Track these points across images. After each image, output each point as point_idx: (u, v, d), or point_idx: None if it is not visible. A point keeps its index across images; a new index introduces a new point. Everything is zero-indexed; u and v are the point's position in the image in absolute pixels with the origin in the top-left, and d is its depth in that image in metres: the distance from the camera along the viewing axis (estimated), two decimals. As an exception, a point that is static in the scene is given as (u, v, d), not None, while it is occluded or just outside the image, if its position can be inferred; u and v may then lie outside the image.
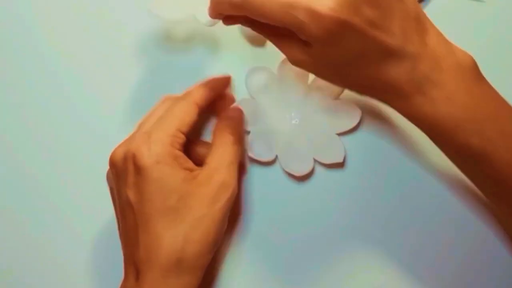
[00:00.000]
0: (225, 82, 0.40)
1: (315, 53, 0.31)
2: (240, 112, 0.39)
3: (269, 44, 0.42)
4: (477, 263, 0.39)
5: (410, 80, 0.31)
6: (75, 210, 0.41)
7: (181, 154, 0.35)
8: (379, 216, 0.40)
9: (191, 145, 0.38)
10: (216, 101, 0.39)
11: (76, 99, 0.42)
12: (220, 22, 0.34)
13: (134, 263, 0.33)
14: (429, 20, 0.32)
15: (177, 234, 0.33)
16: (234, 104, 0.40)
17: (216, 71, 0.41)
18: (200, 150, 0.38)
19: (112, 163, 0.35)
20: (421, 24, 0.32)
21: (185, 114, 0.36)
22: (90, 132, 0.42)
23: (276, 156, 0.40)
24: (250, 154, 0.39)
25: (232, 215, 0.40)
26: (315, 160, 0.39)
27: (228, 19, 0.34)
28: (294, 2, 0.29)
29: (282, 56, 0.39)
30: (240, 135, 0.37)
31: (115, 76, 0.42)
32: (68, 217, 0.41)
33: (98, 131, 0.41)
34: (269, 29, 0.33)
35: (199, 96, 0.37)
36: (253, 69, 0.40)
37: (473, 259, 0.39)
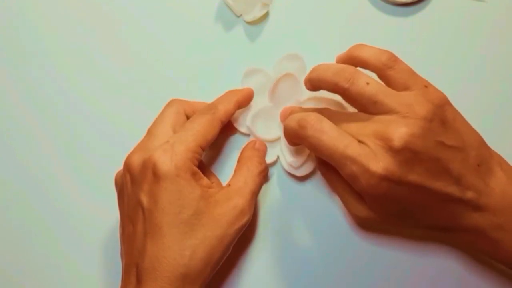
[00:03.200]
0: (250, 96, 0.40)
1: (372, 206, 0.33)
2: (265, 147, 0.39)
3: (264, 45, 0.42)
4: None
5: (475, 221, 0.33)
6: (79, 213, 0.41)
7: (197, 170, 0.35)
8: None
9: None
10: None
11: (82, 102, 0.42)
12: None
13: (137, 270, 0.33)
14: (498, 162, 0.34)
15: (185, 248, 0.32)
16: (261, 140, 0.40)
17: (212, 72, 0.42)
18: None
19: (129, 168, 0.35)
20: (484, 168, 0.33)
21: (208, 131, 0.35)
22: (97, 135, 0.42)
23: (277, 157, 0.40)
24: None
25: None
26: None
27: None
28: (350, 154, 0.31)
29: (276, 56, 0.40)
30: (266, 169, 0.37)
31: (123, 84, 0.42)
32: (71, 221, 0.41)
33: (105, 135, 0.42)
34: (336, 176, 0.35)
35: (225, 112, 0.37)
36: (249, 71, 0.40)
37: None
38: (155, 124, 0.37)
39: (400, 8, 0.42)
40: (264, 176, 0.37)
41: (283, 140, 0.39)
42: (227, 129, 0.40)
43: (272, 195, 0.40)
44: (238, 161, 0.37)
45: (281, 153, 0.39)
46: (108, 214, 0.40)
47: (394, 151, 0.31)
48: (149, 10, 0.43)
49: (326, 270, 0.39)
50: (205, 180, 0.35)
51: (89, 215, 0.41)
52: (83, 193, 0.41)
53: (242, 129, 0.39)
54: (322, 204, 0.40)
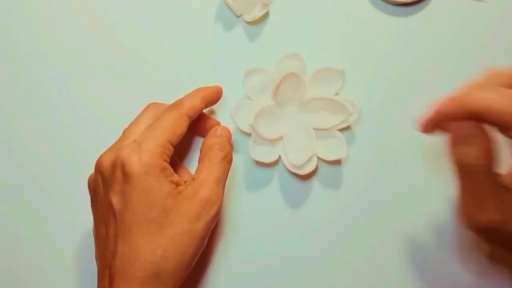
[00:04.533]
0: (217, 93, 0.40)
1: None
2: (228, 131, 0.39)
3: (264, 45, 0.42)
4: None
5: None
6: (77, 212, 0.41)
7: (168, 166, 0.34)
8: (384, 210, 0.40)
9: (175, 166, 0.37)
10: (198, 121, 0.39)
11: (82, 103, 0.42)
12: None
13: (110, 271, 0.33)
14: None
15: (156, 248, 0.32)
16: (222, 124, 0.40)
17: (212, 72, 0.42)
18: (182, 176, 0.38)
19: (99, 169, 0.35)
20: None
21: (176, 126, 0.36)
22: (97, 135, 0.42)
23: (279, 157, 0.40)
24: (253, 156, 0.39)
25: (240, 216, 0.40)
26: (318, 158, 0.40)
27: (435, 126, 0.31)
28: None
29: (276, 56, 0.40)
30: (229, 153, 0.37)
31: (122, 84, 0.42)
32: (71, 220, 0.41)
33: (104, 135, 0.41)
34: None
35: (191, 107, 0.37)
36: (249, 70, 0.40)
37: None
38: (130, 125, 0.37)
39: (400, 8, 0.43)
40: (227, 161, 0.37)
41: (286, 139, 0.39)
42: (206, 127, 0.40)
43: (274, 194, 0.40)
44: (200, 152, 0.37)
45: (283, 152, 0.39)
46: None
47: None
48: (149, 10, 0.43)
49: (327, 269, 0.39)
50: (175, 177, 0.35)
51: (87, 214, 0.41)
52: (82, 193, 0.41)
53: (244, 128, 0.39)
54: (325, 203, 0.40)
